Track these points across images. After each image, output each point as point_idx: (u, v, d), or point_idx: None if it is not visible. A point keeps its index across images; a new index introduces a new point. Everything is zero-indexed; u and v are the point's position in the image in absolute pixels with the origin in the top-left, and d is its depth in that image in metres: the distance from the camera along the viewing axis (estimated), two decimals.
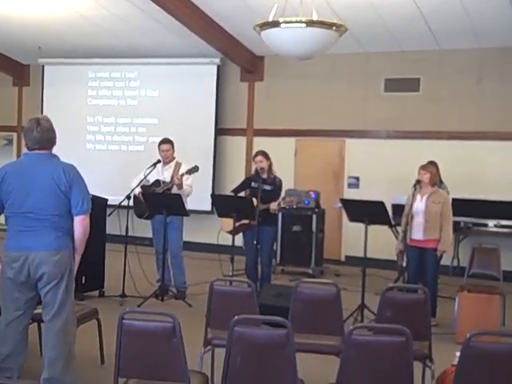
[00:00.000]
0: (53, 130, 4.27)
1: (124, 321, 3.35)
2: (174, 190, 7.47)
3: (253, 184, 7.30)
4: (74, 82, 11.69)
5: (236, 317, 3.27)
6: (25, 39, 10.97)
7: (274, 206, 7.10)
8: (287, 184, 9.51)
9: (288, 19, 6.39)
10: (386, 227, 7.82)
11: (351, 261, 9.66)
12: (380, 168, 10.09)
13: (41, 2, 9.28)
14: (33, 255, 4.15)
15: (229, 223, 7.16)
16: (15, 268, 4.18)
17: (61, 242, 4.21)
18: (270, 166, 7.30)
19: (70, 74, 11.68)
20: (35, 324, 4.82)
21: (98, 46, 11.07)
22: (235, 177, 10.06)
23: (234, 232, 7.10)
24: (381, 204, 6.59)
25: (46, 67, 11.92)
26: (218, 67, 10.94)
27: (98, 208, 7.49)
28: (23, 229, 4.19)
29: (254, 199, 7.03)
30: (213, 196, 7.45)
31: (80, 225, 4.25)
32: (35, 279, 4.19)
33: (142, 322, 3.37)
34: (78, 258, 4.36)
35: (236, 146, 11.10)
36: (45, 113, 11.63)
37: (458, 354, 3.29)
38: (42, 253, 4.15)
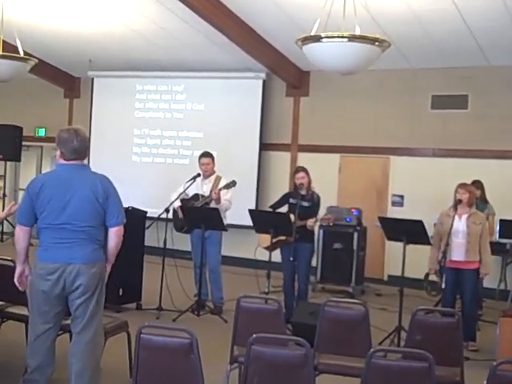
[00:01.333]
0: (88, 141, 4.40)
1: (142, 335, 3.32)
2: (213, 205, 7.45)
3: (291, 200, 7.23)
4: (122, 95, 11.86)
5: (254, 335, 3.20)
6: (76, 53, 11.22)
7: (310, 222, 7.01)
8: (330, 201, 9.44)
9: (330, 34, 6.34)
10: (428, 247, 7.63)
11: (394, 280, 9.43)
12: (425, 187, 9.88)
13: (92, 17, 9.51)
14: (70, 268, 4.14)
15: (266, 239, 7.09)
16: (51, 280, 4.15)
17: (97, 255, 4.23)
18: (310, 182, 7.22)
19: (118, 86, 11.87)
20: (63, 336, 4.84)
21: (146, 60, 11.22)
22: (279, 192, 9.87)
23: (270, 248, 7.03)
24: (419, 223, 6.43)
25: (95, 80, 12.14)
26: (264, 82, 10.94)
27: (137, 220, 7.58)
28: (60, 240, 4.17)
29: (292, 215, 6.95)
30: (251, 211, 7.37)
31: (115, 236, 4.28)
32: (69, 292, 4.18)
33: (160, 338, 3.33)
34: (109, 268, 4.39)
35: (280, 161, 11.05)
36: (93, 124, 11.93)
37: (485, 382, 3.15)
38: (79, 265, 4.14)
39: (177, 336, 3.32)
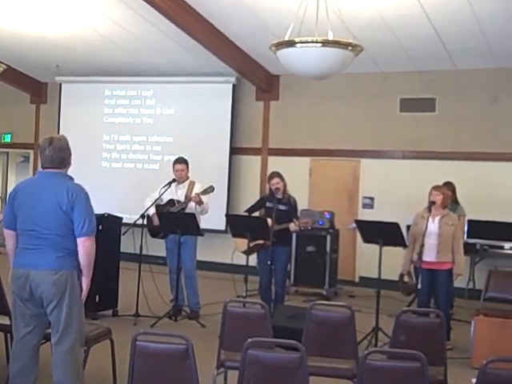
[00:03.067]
0: (66, 150, 4.26)
1: (137, 342, 3.33)
2: (189, 209, 7.46)
3: (268, 204, 7.28)
4: (91, 100, 11.77)
5: (249, 340, 3.24)
6: (43, 57, 11.09)
7: (293, 226, 7.08)
8: (302, 204, 9.45)
9: (304, 39, 6.39)
10: (400, 248, 7.75)
11: (365, 282, 9.60)
12: (395, 189, 10.03)
13: (59, 20, 9.40)
14: (33, 273, 4.15)
15: (243, 243, 7.14)
16: (18, 285, 4.22)
17: (61, 263, 4.17)
18: (285, 186, 7.28)
19: (86, 91, 11.78)
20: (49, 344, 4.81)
21: (114, 65, 11.16)
22: (250, 196, 10.05)
23: (248, 252, 7.07)
24: (395, 225, 6.54)
25: (63, 85, 12.04)
26: (234, 86, 10.98)
27: (113, 226, 7.55)
28: (27, 246, 4.22)
29: (269, 219, 7.00)
30: (227, 216, 7.44)
31: (81, 247, 4.18)
32: (37, 297, 4.19)
33: (155, 344, 3.35)
34: (85, 280, 4.27)
35: (251, 165, 11.10)
36: (61, 130, 11.77)
37: (474, 380, 3.24)
38: (41, 272, 4.14)
39: (172, 342, 3.34)
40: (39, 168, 4.39)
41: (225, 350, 4.42)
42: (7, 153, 13.44)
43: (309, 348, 4.12)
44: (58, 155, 4.22)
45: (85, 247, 4.20)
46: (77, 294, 4.26)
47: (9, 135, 12.96)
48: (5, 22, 9.54)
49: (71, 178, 4.37)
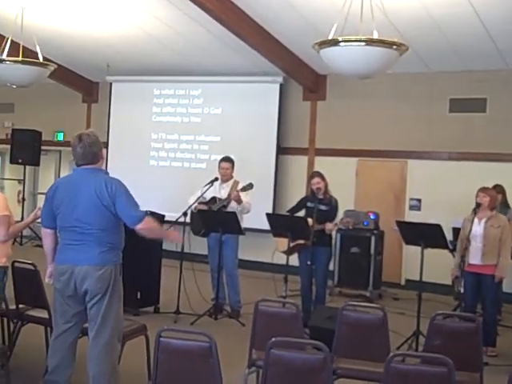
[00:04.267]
0: (96, 145, 4.30)
1: (161, 339, 3.34)
2: (231, 208, 7.47)
3: (309, 204, 7.23)
4: (140, 99, 11.92)
5: (273, 339, 3.21)
6: (94, 57, 11.31)
7: (329, 226, 6.99)
8: (347, 204, 9.41)
9: (347, 38, 6.34)
10: (446, 251, 7.60)
11: (411, 285, 9.40)
12: (443, 190, 9.82)
13: (109, 21, 9.58)
14: (78, 269, 4.20)
15: (284, 243, 7.10)
16: (62, 281, 4.26)
17: (105, 258, 4.23)
18: (326, 186, 7.22)
19: (136, 91, 11.93)
20: (85, 338, 4.87)
21: (163, 64, 11.28)
22: (296, 196, 9.90)
23: (288, 252, 7.04)
24: (437, 227, 6.40)
25: (113, 84, 12.22)
26: (281, 86, 10.94)
27: None
28: (70, 242, 4.27)
29: (310, 219, 6.95)
30: (268, 215, 7.38)
31: (143, 232, 4.28)
32: (81, 293, 4.23)
33: (179, 341, 3.35)
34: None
35: (297, 165, 11.04)
36: (111, 129, 11.98)
37: None
38: (85, 267, 4.19)
39: (196, 340, 3.33)
40: (73, 166, 4.44)
41: (256, 349, 4.40)
42: (60, 151, 13.73)
43: (340, 349, 4.08)
44: (89, 151, 4.27)
45: (143, 231, 4.28)
46: (118, 289, 4.32)
47: (61, 134, 13.23)
48: (58, 23, 9.78)
49: (106, 173, 4.42)
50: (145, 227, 4.26)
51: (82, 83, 12.86)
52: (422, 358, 3.66)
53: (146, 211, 7.31)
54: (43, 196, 4.53)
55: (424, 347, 4.34)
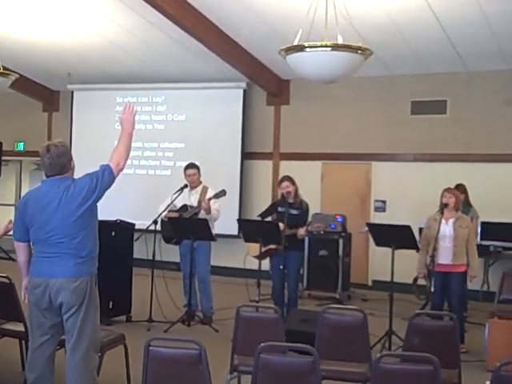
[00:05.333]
0: (65, 155, 4.21)
1: (150, 348, 3.34)
2: (202, 215, 7.49)
3: (279, 209, 7.27)
4: (103, 107, 11.83)
5: (262, 344, 3.25)
6: (54, 66, 11.18)
7: (301, 231, 7.06)
8: (314, 208, 9.45)
9: (313, 43, 6.41)
10: (413, 251, 7.73)
11: (378, 285, 9.57)
12: (407, 191, 10.02)
13: (69, 29, 9.47)
14: (52, 282, 4.14)
15: (255, 248, 7.14)
16: (37, 294, 4.20)
17: (80, 269, 4.18)
18: (296, 190, 7.28)
19: (98, 99, 11.83)
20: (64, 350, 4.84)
21: (125, 72, 11.23)
22: (262, 201, 10.07)
23: (260, 257, 7.08)
24: (407, 228, 6.53)
25: (75, 93, 12.12)
26: (244, 91, 11.01)
27: (125, 232, 7.59)
28: (44, 255, 4.21)
29: (281, 224, 7.00)
30: (239, 221, 7.45)
31: (116, 160, 4.26)
32: (56, 306, 4.18)
33: (169, 349, 3.36)
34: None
35: (262, 169, 11.11)
36: (74, 138, 11.86)
37: (488, 383, 3.23)
38: (60, 280, 4.13)
39: (185, 347, 3.35)
40: (34, 176, 4.38)
41: (238, 354, 4.43)
42: (20, 161, 13.51)
43: (322, 352, 4.13)
44: (58, 162, 4.18)
45: (116, 159, 4.26)
46: (94, 299, 4.29)
47: (22, 143, 13.04)
48: (16, 30, 9.60)
49: (73, 180, 4.35)
50: (115, 160, 4.25)
51: (43, 92, 12.71)
52: (403, 357, 3.75)
53: (116, 220, 7.40)
54: (4, 207, 4.46)
55: (403, 346, 4.43)
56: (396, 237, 6.55)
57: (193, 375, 3.28)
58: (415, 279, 6.95)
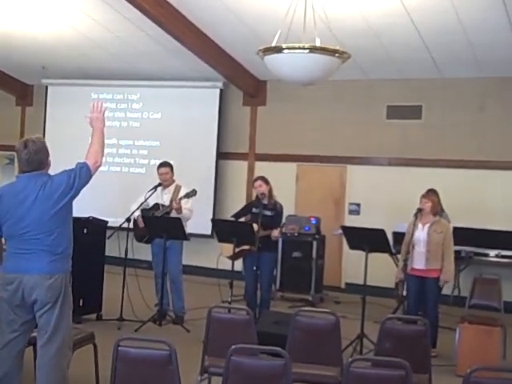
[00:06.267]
0: (43, 152, 4.19)
1: (120, 348, 3.30)
2: (174, 214, 7.44)
3: (254, 209, 7.27)
4: (77, 103, 11.65)
5: (233, 346, 3.22)
6: (29, 59, 11.01)
7: (275, 233, 7.05)
8: (288, 209, 9.47)
9: (291, 45, 6.40)
10: (386, 255, 7.78)
11: (351, 288, 9.59)
12: (381, 195, 10.06)
13: (45, 22, 9.31)
14: (26, 278, 4.10)
15: (229, 248, 7.12)
16: (10, 290, 4.14)
17: (55, 267, 4.14)
18: (270, 190, 7.27)
19: (72, 94, 11.69)
20: (31, 348, 4.76)
21: (101, 68, 11.12)
22: (236, 201, 10.06)
23: (233, 257, 7.06)
24: (381, 232, 6.55)
25: (49, 88, 11.97)
26: (221, 91, 10.97)
27: (97, 229, 7.52)
28: (19, 251, 4.16)
29: (255, 225, 6.99)
30: (213, 221, 7.42)
31: (92, 157, 4.30)
32: (30, 302, 4.14)
33: (138, 350, 3.32)
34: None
35: (237, 170, 11.09)
36: (47, 133, 11.69)
37: None
38: (35, 276, 4.09)
39: (155, 348, 3.31)
40: (18, 172, 4.33)
41: (209, 355, 4.40)
42: None
43: (293, 354, 4.11)
44: (35, 158, 4.16)
45: (93, 156, 4.31)
46: (69, 297, 4.25)
47: None
48: None
49: (49, 176, 4.30)
50: (92, 158, 4.30)
51: (16, 86, 12.52)
52: (374, 362, 3.75)
53: (88, 217, 7.32)
54: None
55: (375, 350, 4.43)
56: (370, 240, 6.56)
57: (162, 376, 3.25)
58: (397, 284, 6.98)
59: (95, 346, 5.04)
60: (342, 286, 10.33)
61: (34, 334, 4.31)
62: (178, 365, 3.27)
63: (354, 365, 3.17)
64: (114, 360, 3.30)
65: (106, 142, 12.04)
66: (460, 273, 9.31)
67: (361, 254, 6.76)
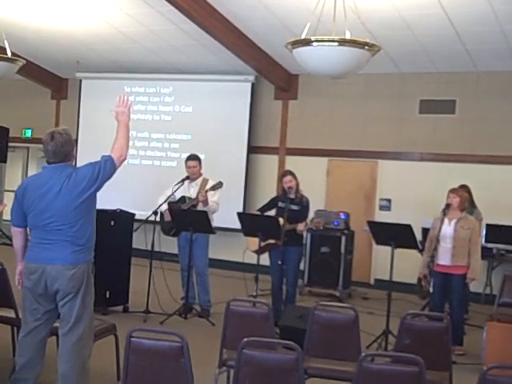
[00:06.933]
0: (69, 144, 4.24)
1: (132, 339, 3.30)
2: (200, 207, 7.43)
3: (280, 203, 7.21)
4: (110, 97, 11.53)
5: (245, 339, 3.19)
6: (64, 53, 11.17)
7: (301, 227, 6.99)
8: (318, 204, 9.44)
9: (320, 38, 6.34)
10: (415, 251, 7.65)
11: (380, 284, 9.48)
12: (413, 191, 9.91)
13: (80, 17, 9.45)
14: (49, 268, 4.14)
15: (255, 242, 7.09)
16: (33, 280, 4.20)
17: (77, 257, 4.18)
18: (298, 185, 7.21)
19: (106, 88, 11.76)
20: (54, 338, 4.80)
21: (134, 61, 11.20)
22: (266, 195, 9.93)
23: (259, 251, 7.02)
24: (408, 227, 6.45)
25: (83, 81, 12.08)
26: (253, 85, 10.94)
27: (125, 222, 7.57)
28: (42, 241, 4.21)
29: (281, 219, 6.94)
30: (239, 214, 7.36)
31: (118, 151, 4.31)
32: (52, 292, 4.18)
33: (151, 341, 3.31)
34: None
35: (268, 164, 11.05)
36: (81, 126, 11.84)
37: None
38: (57, 266, 4.13)
39: (167, 340, 3.30)
40: (42, 163, 4.38)
41: (227, 348, 4.38)
42: (27, 148, 13.56)
43: (311, 349, 4.08)
44: (61, 150, 4.20)
45: (118, 151, 4.31)
46: (91, 287, 4.30)
47: (29, 130, 13.05)
48: (27, 17, 9.60)
49: (74, 168, 4.34)
50: (117, 152, 4.30)
51: (51, 79, 12.69)
52: (393, 358, 3.68)
53: (116, 210, 7.38)
54: (10, 193, 4.46)
55: (395, 346, 4.37)
56: (396, 236, 6.47)
57: (174, 368, 3.24)
58: (419, 279, 6.86)
59: (116, 338, 5.06)
60: (371, 282, 10.22)
61: (57, 325, 4.35)
62: (189, 357, 3.25)
63: (367, 360, 3.11)
64: (127, 351, 3.30)
65: (138, 135, 12.32)
66: (492, 270, 9.16)
67: (390, 250, 6.66)
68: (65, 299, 4.17)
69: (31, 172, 13.48)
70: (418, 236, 7.00)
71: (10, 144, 12.44)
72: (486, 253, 8.24)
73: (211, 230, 7.31)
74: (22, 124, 13.00)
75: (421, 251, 7.23)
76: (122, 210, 7.57)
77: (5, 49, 8.57)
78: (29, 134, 13.06)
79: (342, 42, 6.30)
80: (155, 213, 7.38)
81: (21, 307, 4.42)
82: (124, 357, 3.32)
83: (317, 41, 6.35)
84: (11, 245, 4.54)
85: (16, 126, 12.73)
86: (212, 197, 7.43)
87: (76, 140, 11.45)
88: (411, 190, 9.93)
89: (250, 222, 7.21)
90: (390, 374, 3.08)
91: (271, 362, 3.21)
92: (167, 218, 7.53)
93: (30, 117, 12.89)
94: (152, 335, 3.41)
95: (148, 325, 6.88)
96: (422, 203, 9.51)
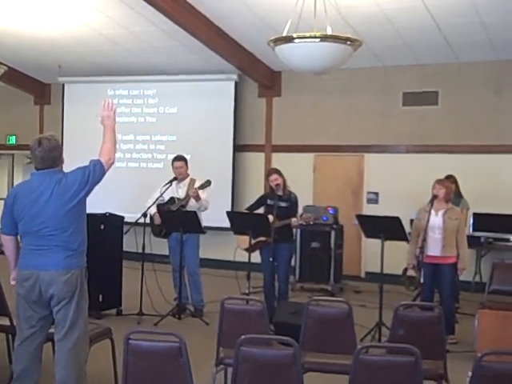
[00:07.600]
0: (57, 149, 4.23)
1: (130, 341, 3.32)
2: (190, 207, 7.45)
3: (268, 201, 7.25)
4: (94, 100, 11.56)
5: (242, 337, 3.22)
6: (45, 58, 11.11)
7: (295, 222, 7.05)
8: (306, 200, 9.47)
9: (301, 34, 6.37)
10: (405, 243, 7.71)
11: (371, 277, 9.54)
12: (399, 183, 9.99)
13: (60, 21, 9.38)
14: (43, 274, 4.15)
15: (245, 240, 7.11)
16: (26, 287, 4.20)
17: (70, 262, 4.19)
18: (285, 182, 7.24)
19: (89, 92, 11.74)
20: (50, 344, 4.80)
21: (116, 64, 11.17)
22: (254, 193, 9.98)
23: (250, 249, 7.05)
24: (396, 219, 6.50)
25: (66, 86, 12.05)
26: (236, 83, 10.96)
27: (114, 225, 7.56)
28: (34, 247, 4.20)
29: (270, 216, 6.98)
30: (228, 213, 7.39)
31: (106, 155, 4.30)
32: (47, 298, 4.19)
33: (149, 342, 3.33)
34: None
35: (254, 162, 11.08)
36: (65, 130, 11.81)
37: (470, 373, 3.21)
38: (51, 272, 4.14)
39: (165, 340, 3.32)
40: (27, 169, 4.38)
41: (223, 347, 4.41)
42: (12, 155, 13.47)
43: (307, 344, 4.12)
44: (49, 155, 4.20)
45: (106, 154, 4.31)
46: (85, 292, 4.30)
47: (13, 137, 12.98)
48: (6, 22, 9.53)
49: (64, 173, 4.34)
50: (105, 155, 4.30)
51: (34, 85, 12.64)
52: (388, 349, 3.73)
53: (105, 213, 7.38)
54: None
55: (389, 338, 4.41)
56: (385, 228, 6.52)
57: (173, 368, 3.26)
58: (405, 270, 6.92)
59: (112, 341, 5.06)
60: (362, 275, 10.29)
61: (52, 330, 4.35)
62: (188, 357, 3.28)
63: (363, 352, 3.15)
64: (125, 353, 3.31)
65: (124, 138, 12.26)
66: (481, 259, 9.25)
67: (380, 242, 6.71)
68: (59, 305, 4.18)
69: (17, 179, 13.39)
70: (407, 228, 7.05)
71: None
72: (474, 241, 8.34)
73: (201, 229, 7.34)
74: (6, 131, 12.95)
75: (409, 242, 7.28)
76: (111, 214, 7.57)
77: None
78: (13, 140, 13.00)
79: (324, 38, 6.33)
80: (144, 215, 7.39)
81: (15, 315, 4.41)
82: (123, 359, 3.34)
83: (298, 37, 6.38)
84: (2, 253, 4.54)
85: (0, 133, 12.67)
86: (201, 195, 7.44)
87: (61, 145, 11.39)
88: (398, 183, 10.01)
89: (240, 221, 7.23)
90: (387, 365, 3.13)
91: (269, 358, 3.24)
92: (157, 221, 7.54)
93: (14, 123, 12.83)
94: (149, 336, 3.43)
95: (142, 327, 6.88)
96: (409, 195, 9.57)
